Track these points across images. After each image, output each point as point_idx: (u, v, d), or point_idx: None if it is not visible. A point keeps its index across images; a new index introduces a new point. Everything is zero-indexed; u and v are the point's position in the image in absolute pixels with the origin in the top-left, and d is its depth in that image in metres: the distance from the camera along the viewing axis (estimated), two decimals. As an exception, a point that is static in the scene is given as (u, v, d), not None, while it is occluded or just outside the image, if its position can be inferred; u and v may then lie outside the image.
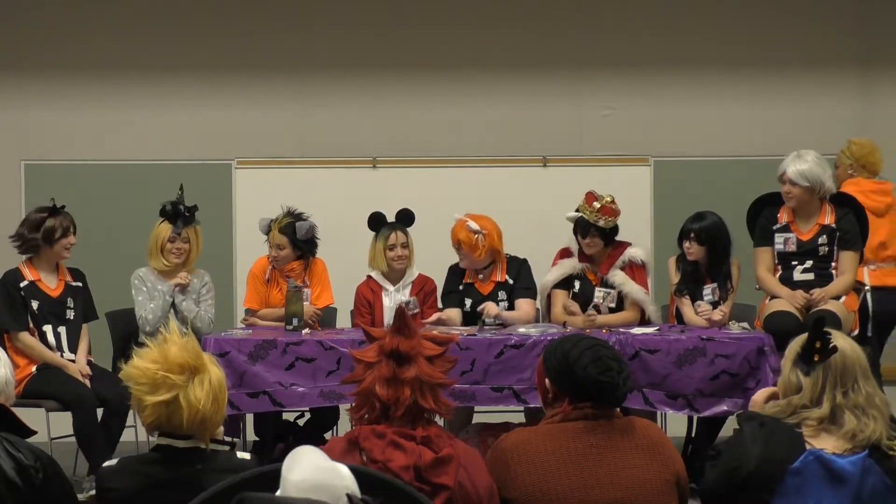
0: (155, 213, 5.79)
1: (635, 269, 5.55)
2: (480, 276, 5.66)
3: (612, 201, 5.50)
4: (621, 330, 5.20)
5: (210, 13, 6.99)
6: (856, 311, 5.45)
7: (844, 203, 5.55)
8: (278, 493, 1.57)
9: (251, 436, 5.64)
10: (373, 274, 5.80)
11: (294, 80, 7.01)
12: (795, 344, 2.83)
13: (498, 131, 6.95)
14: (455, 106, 6.98)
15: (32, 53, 6.99)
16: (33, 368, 5.40)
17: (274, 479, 1.60)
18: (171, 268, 5.72)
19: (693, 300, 5.59)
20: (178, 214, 5.69)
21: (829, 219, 5.44)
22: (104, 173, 6.93)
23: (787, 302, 5.35)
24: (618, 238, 5.62)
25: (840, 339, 2.79)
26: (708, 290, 5.55)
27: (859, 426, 2.69)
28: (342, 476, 1.55)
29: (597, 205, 5.49)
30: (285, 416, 5.73)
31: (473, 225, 5.55)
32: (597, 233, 5.49)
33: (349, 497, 1.54)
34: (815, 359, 2.73)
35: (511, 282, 5.65)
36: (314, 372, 5.00)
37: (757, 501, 2.71)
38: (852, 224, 5.45)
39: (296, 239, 5.75)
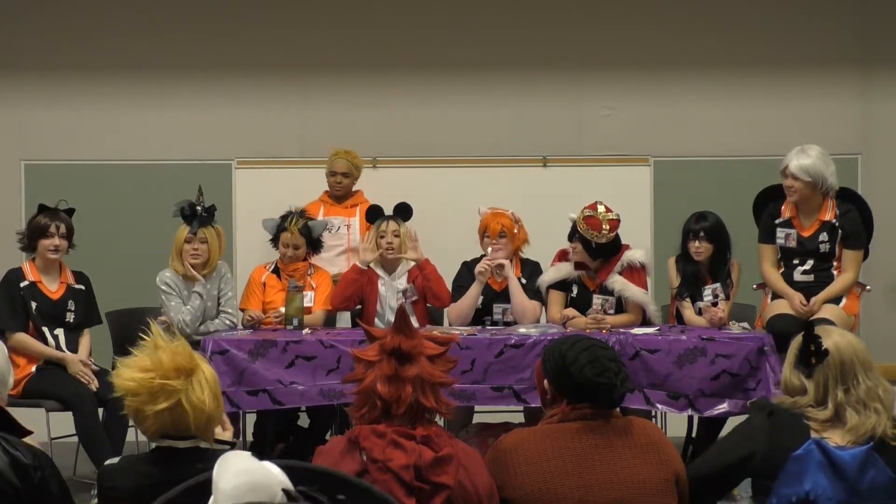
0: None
1: (634, 272, 5.51)
2: (493, 272, 5.64)
3: (604, 218, 5.40)
4: (621, 330, 5.19)
5: (210, 13, 6.99)
6: (856, 315, 5.43)
7: (848, 199, 5.52)
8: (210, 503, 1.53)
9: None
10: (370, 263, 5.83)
11: (294, 80, 7.00)
12: (793, 347, 2.87)
13: (498, 131, 6.95)
14: (455, 106, 6.97)
15: (32, 53, 6.99)
16: (33, 368, 5.37)
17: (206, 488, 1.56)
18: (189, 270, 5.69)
19: (693, 301, 5.59)
20: (195, 215, 5.62)
21: (829, 214, 5.42)
22: (104, 173, 6.92)
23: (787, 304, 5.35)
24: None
25: (835, 336, 2.83)
26: (708, 291, 5.54)
27: (860, 420, 2.72)
28: (272, 473, 1.53)
29: (588, 212, 5.44)
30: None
31: (515, 214, 5.63)
32: (578, 240, 5.47)
33: (285, 491, 1.52)
34: (812, 361, 2.77)
35: (524, 281, 5.64)
36: (314, 370, 5.00)
37: (760, 487, 2.75)
38: (855, 221, 5.41)
39: (311, 238, 5.78)
